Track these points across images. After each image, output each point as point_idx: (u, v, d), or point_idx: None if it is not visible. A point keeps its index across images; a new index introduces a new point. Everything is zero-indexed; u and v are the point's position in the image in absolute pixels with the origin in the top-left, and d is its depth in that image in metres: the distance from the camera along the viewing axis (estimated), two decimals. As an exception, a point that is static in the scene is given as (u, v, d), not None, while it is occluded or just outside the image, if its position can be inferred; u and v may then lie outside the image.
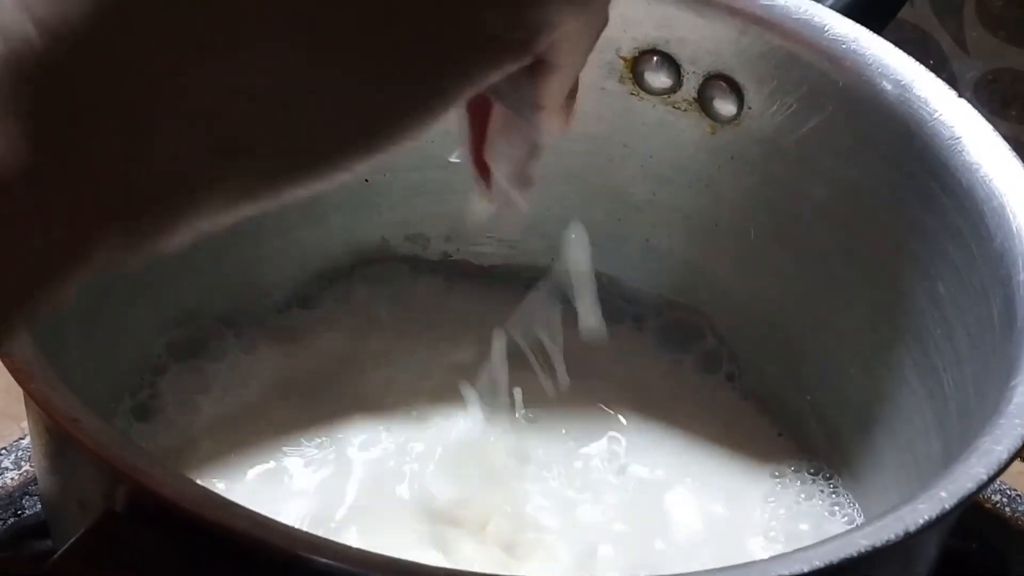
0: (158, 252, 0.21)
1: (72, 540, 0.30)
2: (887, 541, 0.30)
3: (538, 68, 0.28)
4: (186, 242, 0.22)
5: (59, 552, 0.30)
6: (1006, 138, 0.62)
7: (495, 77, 0.24)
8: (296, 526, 0.29)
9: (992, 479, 0.31)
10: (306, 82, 0.21)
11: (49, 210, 0.19)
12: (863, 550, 0.29)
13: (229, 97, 0.20)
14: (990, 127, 0.42)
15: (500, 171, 0.33)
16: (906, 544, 0.30)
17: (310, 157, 0.22)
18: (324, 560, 0.27)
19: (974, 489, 0.31)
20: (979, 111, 0.63)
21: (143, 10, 0.19)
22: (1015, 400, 0.34)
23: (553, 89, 0.30)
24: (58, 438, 0.33)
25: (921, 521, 0.30)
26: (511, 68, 0.24)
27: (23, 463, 0.49)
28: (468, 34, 0.23)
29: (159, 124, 0.20)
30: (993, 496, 0.52)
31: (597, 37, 0.29)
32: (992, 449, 0.32)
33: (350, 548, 0.27)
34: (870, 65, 0.44)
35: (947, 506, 0.30)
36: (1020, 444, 0.32)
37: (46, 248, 0.20)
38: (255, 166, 0.21)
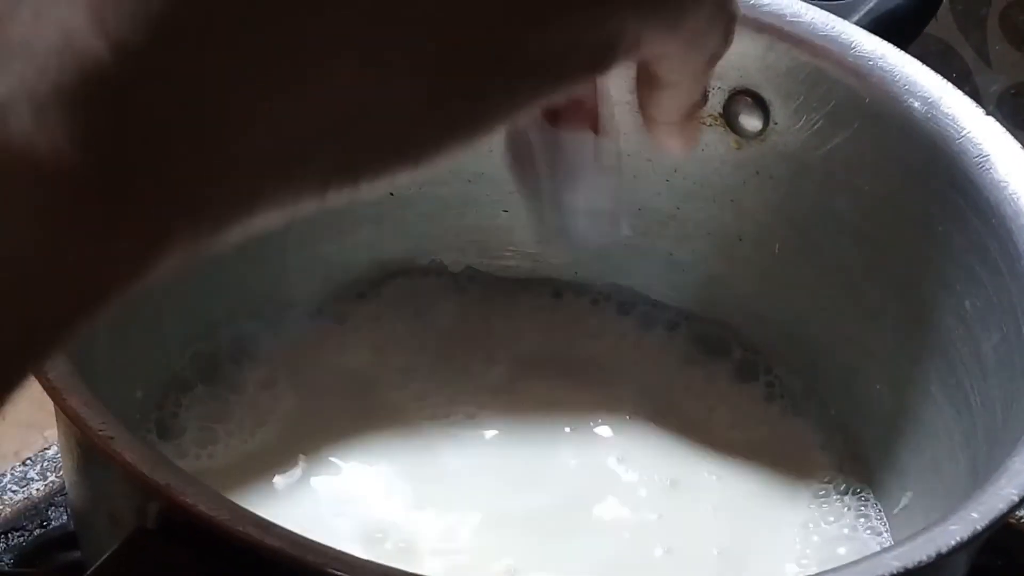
0: (211, 248, 0.22)
1: (104, 558, 0.31)
2: (919, 562, 0.30)
3: (644, 79, 0.28)
4: (238, 240, 0.22)
5: (90, 570, 0.31)
6: (1029, 152, 0.62)
7: (552, 98, 0.24)
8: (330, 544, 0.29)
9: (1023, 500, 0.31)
10: (363, 101, 0.21)
11: (117, 218, 0.20)
12: (896, 571, 0.29)
13: (294, 117, 0.21)
14: (1018, 145, 0.42)
15: (578, 201, 0.32)
16: (937, 565, 0.30)
17: (359, 166, 0.22)
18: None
19: (1006, 510, 0.31)
20: (1002, 125, 0.63)
21: (214, 38, 0.20)
22: (1046, 420, 0.34)
23: (663, 105, 0.29)
24: (90, 453, 0.33)
25: (953, 542, 0.30)
26: (572, 90, 0.24)
27: (49, 474, 0.49)
28: (509, 57, 0.23)
29: (224, 142, 0.21)
30: (1017, 512, 0.52)
31: (711, 60, 0.28)
32: (1023, 469, 0.32)
33: (385, 567, 0.28)
34: (897, 82, 0.44)
35: (979, 527, 0.30)
36: (1051, 465, 0.32)
37: (114, 255, 0.20)
38: (311, 173, 0.22)
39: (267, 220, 0.22)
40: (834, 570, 0.30)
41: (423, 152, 0.23)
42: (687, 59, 0.28)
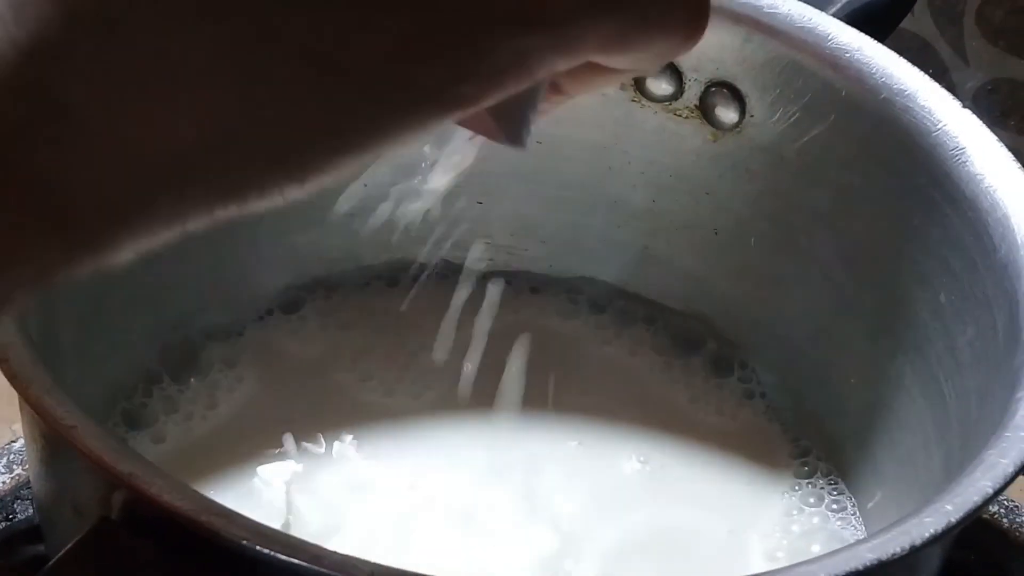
0: (101, 265, 0.21)
1: (67, 548, 0.30)
2: (894, 554, 0.29)
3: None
4: (130, 257, 0.22)
5: (53, 560, 0.30)
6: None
7: (457, 117, 0.23)
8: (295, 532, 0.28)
9: (998, 492, 0.31)
10: (245, 117, 0.21)
11: None
12: (869, 563, 0.29)
13: (170, 132, 0.21)
14: (994, 138, 0.42)
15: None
16: (912, 558, 0.30)
17: (244, 184, 0.22)
18: (327, 571, 0.27)
19: (980, 503, 0.31)
20: (978, 121, 0.63)
21: (84, 49, 0.20)
22: (1020, 412, 0.33)
23: (596, 85, 0.28)
24: (54, 444, 0.33)
25: (927, 535, 0.30)
26: (481, 106, 0.23)
27: (15, 467, 0.48)
28: (396, 86, 0.22)
29: (92, 154, 0.20)
30: (991, 507, 0.52)
31: (661, 57, 0.26)
32: (998, 462, 0.32)
33: (353, 558, 0.27)
34: (874, 74, 0.44)
35: (953, 520, 0.30)
36: (1026, 458, 0.32)
37: None
38: (194, 189, 0.21)
39: (158, 237, 0.22)
40: (808, 562, 0.29)
41: (309, 171, 0.22)
42: (622, 62, 0.25)
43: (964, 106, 0.61)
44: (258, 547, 0.27)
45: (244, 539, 0.27)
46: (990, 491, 0.31)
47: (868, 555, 0.29)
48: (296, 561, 0.27)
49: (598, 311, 0.53)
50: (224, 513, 0.28)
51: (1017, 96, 0.67)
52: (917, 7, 0.65)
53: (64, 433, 0.30)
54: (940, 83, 0.63)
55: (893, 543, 0.30)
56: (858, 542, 0.30)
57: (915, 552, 0.30)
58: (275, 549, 0.27)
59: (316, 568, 0.27)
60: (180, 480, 0.29)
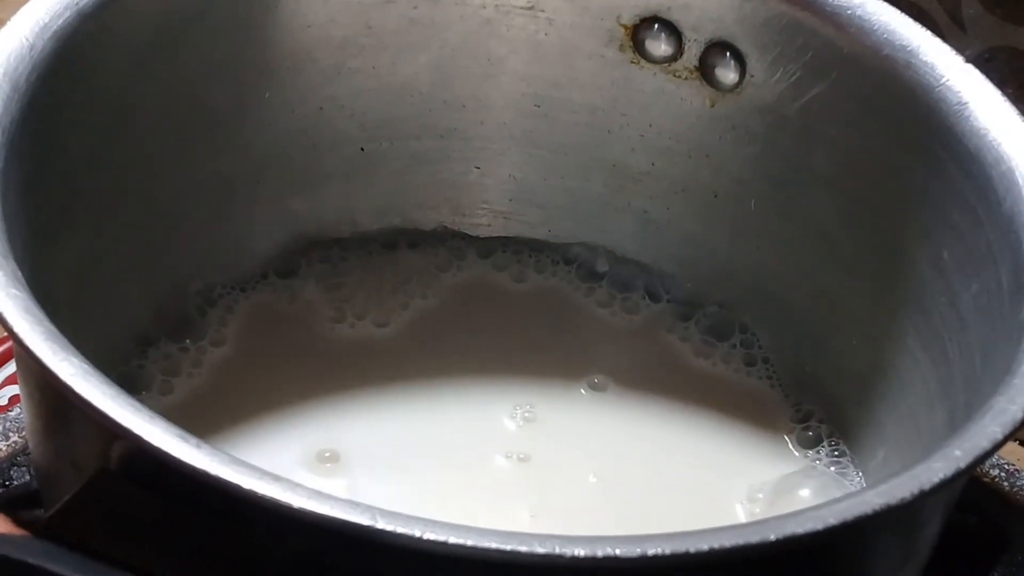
0: None
1: (65, 499, 0.30)
2: (902, 500, 0.29)
3: None
4: None
5: (51, 511, 0.30)
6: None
7: None
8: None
9: (1007, 438, 0.31)
10: None
11: None
12: (877, 508, 0.29)
13: None
14: (998, 92, 0.42)
15: None
16: (919, 503, 0.30)
17: None
18: (335, 516, 0.26)
19: (989, 448, 0.31)
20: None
21: None
22: (1028, 361, 0.33)
23: None
24: (51, 397, 0.32)
25: (936, 480, 0.30)
26: None
27: (11, 434, 0.48)
28: None
29: None
30: (991, 470, 0.52)
31: None
32: (1007, 408, 0.31)
33: (361, 504, 0.27)
34: (875, 31, 0.44)
35: (962, 465, 0.30)
36: (1035, 404, 0.32)
37: None
38: None
39: None
40: (816, 507, 0.29)
41: None
42: None
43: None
44: (260, 493, 0.27)
45: (245, 485, 0.27)
46: (999, 436, 0.31)
47: (876, 500, 0.29)
48: (303, 508, 0.27)
49: (596, 276, 0.52)
50: (224, 460, 0.28)
51: (1015, 64, 0.67)
52: (914, -26, 0.65)
53: (61, 384, 0.29)
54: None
55: (902, 488, 0.29)
56: (866, 488, 0.30)
57: (924, 497, 0.29)
58: (276, 494, 0.27)
59: (319, 512, 0.27)
60: (178, 427, 0.28)
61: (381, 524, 0.27)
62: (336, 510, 0.27)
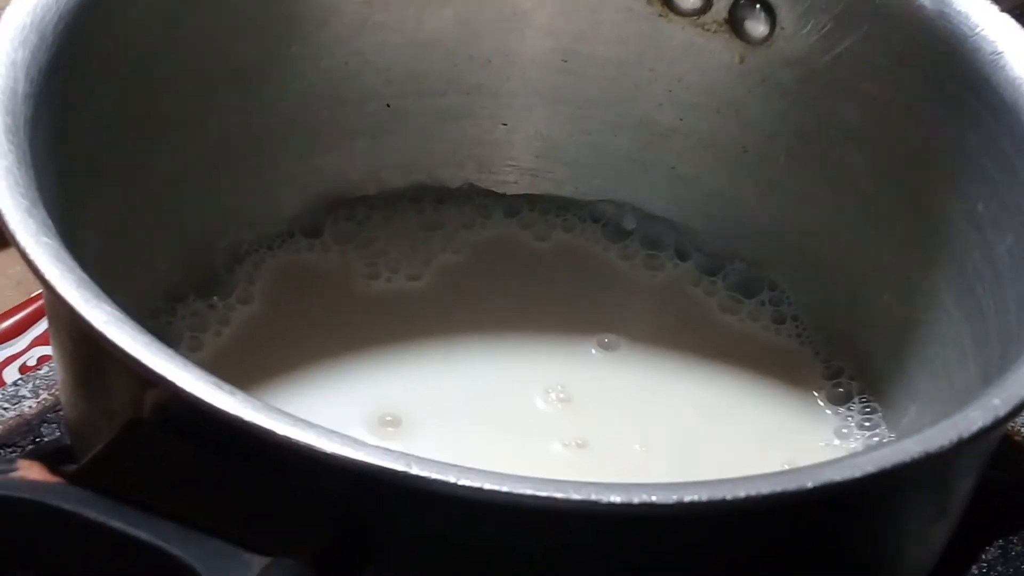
0: None
1: (97, 449, 0.30)
2: (941, 447, 0.29)
3: None
4: None
5: (83, 460, 0.30)
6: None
7: None
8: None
9: (1046, 386, 0.31)
10: None
11: None
12: (916, 456, 0.28)
13: None
14: (1034, 41, 0.41)
15: None
16: (956, 454, 0.29)
17: None
18: (369, 461, 0.26)
19: (1028, 396, 0.30)
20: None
21: None
22: (1067, 311, 0.33)
23: None
24: (84, 344, 0.32)
25: (975, 428, 0.29)
26: None
27: (41, 392, 0.48)
28: None
29: None
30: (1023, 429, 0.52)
31: None
32: (1045, 357, 0.31)
33: (395, 451, 0.27)
34: (908, -20, 0.43)
35: (1001, 413, 0.30)
36: (1074, 353, 0.31)
37: None
38: None
39: None
40: (853, 455, 0.29)
41: None
42: None
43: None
44: (295, 439, 0.27)
45: (279, 431, 0.27)
46: (1038, 384, 0.30)
47: (914, 448, 0.29)
48: (332, 451, 0.27)
49: (624, 234, 0.52)
50: (260, 407, 0.27)
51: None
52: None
53: (94, 331, 0.29)
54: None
55: (941, 436, 0.29)
56: (904, 437, 0.30)
57: (962, 446, 0.29)
58: (311, 440, 0.27)
59: (353, 458, 0.27)
60: (214, 376, 0.28)
61: (416, 470, 0.27)
62: (370, 456, 0.27)
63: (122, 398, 0.31)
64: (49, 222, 0.32)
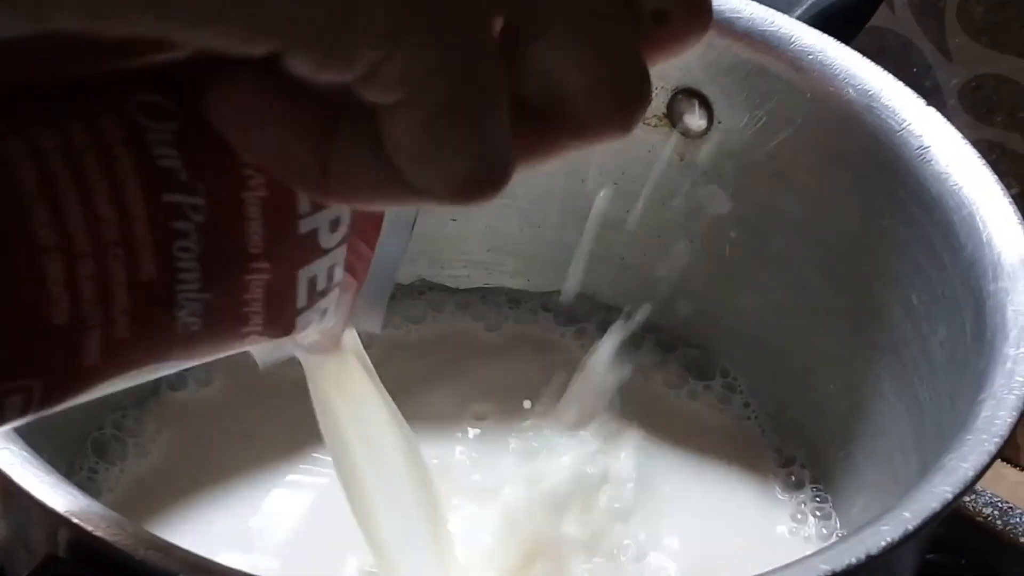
0: None
1: (15, 585, 0.30)
2: (847, 565, 0.29)
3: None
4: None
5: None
6: (992, 144, 0.61)
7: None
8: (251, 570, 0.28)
9: (958, 497, 0.31)
10: None
11: None
12: (823, 574, 0.28)
13: None
14: (959, 135, 0.42)
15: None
16: (869, 566, 0.29)
17: None
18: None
19: (938, 509, 0.30)
20: (964, 118, 0.61)
21: None
22: (983, 415, 0.33)
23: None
24: (4, 486, 0.33)
25: (883, 543, 0.29)
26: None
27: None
28: None
29: None
30: (984, 509, 0.51)
31: None
32: (958, 467, 0.31)
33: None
34: (837, 75, 0.44)
35: (910, 527, 0.30)
36: (987, 462, 0.31)
37: None
38: None
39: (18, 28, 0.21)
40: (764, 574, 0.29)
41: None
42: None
43: (947, 103, 0.60)
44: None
45: (179, 572, 0.27)
46: (949, 497, 0.30)
47: (822, 566, 0.29)
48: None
49: (577, 323, 0.52)
50: (160, 546, 0.28)
51: (1002, 92, 0.66)
52: (897, 5, 0.64)
53: (6, 475, 0.29)
54: (924, 81, 0.62)
55: (848, 553, 0.29)
56: (813, 554, 0.30)
57: (872, 561, 0.29)
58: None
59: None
60: (118, 515, 0.28)
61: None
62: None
63: (39, 534, 0.31)
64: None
